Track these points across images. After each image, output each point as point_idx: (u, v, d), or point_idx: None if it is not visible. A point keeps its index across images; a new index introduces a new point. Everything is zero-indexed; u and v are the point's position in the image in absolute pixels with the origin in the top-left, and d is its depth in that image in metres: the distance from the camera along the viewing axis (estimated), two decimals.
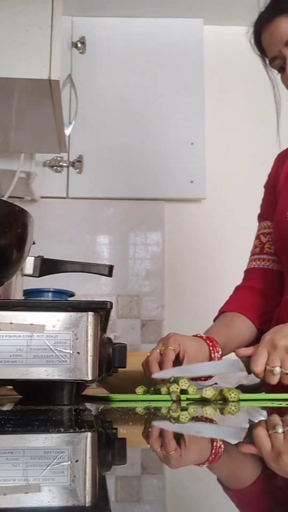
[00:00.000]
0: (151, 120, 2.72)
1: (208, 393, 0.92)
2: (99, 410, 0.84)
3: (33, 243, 1.06)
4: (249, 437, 0.58)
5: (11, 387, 1.18)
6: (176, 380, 1.02)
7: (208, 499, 0.34)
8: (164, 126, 2.72)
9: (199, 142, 2.71)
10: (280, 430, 0.59)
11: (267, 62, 1.40)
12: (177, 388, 0.99)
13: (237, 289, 1.48)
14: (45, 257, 1.25)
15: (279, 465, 0.42)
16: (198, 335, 1.28)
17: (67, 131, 2.02)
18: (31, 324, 0.84)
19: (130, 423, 0.69)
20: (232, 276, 1.60)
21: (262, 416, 0.81)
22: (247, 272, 1.48)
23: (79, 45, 2.56)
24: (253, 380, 1.70)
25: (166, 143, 2.70)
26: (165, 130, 2.71)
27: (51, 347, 0.84)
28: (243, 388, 1.67)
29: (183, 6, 2.70)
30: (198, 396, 0.95)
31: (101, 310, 0.88)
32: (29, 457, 0.45)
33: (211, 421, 0.73)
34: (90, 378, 0.84)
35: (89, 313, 0.85)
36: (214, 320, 1.43)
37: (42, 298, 1.75)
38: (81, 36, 2.59)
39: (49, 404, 0.84)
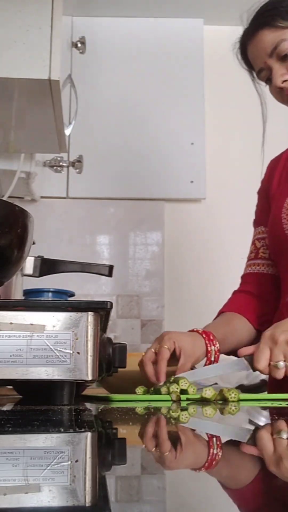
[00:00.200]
0: (151, 120, 2.72)
1: (208, 393, 0.93)
2: (99, 410, 0.84)
3: (33, 243, 1.06)
4: (251, 437, 0.58)
5: (11, 387, 1.18)
6: (176, 380, 1.02)
7: (208, 499, 0.34)
8: (164, 126, 2.72)
9: (199, 142, 2.71)
10: (285, 436, 0.59)
11: (255, 75, 1.42)
12: (177, 388, 0.99)
13: (235, 293, 1.50)
14: (45, 257, 1.25)
15: (279, 467, 0.42)
16: (195, 329, 1.29)
17: (67, 131, 2.02)
18: (31, 324, 0.84)
19: (130, 423, 0.69)
20: (232, 276, 1.61)
21: (262, 416, 0.81)
22: (244, 277, 1.50)
23: (79, 45, 2.55)
24: (253, 380, 1.70)
25: (166, 143, 2.70)
26: (165, 130, 2.71)
27: (51, 347, 0.84)
28: (243, 388, 1.67)
29: (183, 6, 2.70)
30: (198, 396, 0.95)
31: (101, 310, 0.88)
32: (29, 457, 0.45)
33: (211, 421, 0.73)
34: (90, 378, 0.84)
35: (89, 313, 0.85)
36: None
37: (42, 298, 1.75)
38: (81, 36, 2.58)
39: (49, 404, 0.84)
